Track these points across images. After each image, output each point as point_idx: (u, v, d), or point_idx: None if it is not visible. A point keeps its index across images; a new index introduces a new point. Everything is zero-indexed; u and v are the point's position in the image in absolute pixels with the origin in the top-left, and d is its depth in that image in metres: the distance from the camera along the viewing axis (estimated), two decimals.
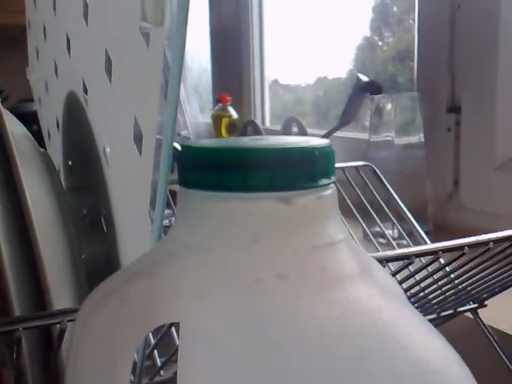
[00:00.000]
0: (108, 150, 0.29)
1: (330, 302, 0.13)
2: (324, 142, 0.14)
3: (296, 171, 0.14)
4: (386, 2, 1.03)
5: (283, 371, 0.13)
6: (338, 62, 1.11)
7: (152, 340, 0.35)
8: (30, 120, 0.45)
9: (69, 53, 0.34)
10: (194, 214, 0.14)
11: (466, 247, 0.32)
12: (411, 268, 0.32)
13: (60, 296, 0.29)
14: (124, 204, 0.29)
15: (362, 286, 0.14)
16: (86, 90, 0.32)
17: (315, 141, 0.14)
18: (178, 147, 0.16)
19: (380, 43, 1.05)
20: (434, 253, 0.31)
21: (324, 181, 0.14)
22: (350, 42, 1.07)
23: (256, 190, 0.14)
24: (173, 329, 0.37)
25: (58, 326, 0.24)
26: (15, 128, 0.34)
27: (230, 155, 0.14)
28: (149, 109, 0.21)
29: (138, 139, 0.23)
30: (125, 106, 0.24)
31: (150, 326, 0.14)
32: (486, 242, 0.33)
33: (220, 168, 0.14)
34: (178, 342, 0.40)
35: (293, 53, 1.22)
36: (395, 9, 1.02)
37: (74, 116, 0.36)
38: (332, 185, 0.15)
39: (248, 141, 0.14)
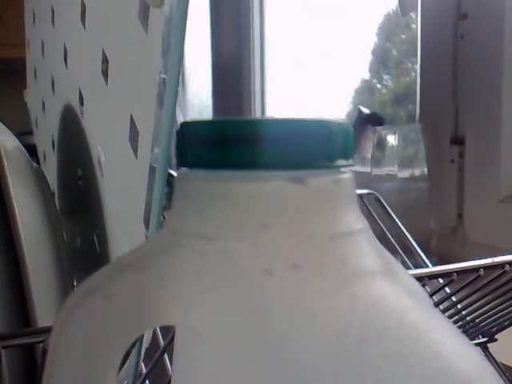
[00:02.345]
0: (103, 158, 0.27)
1: (351, 297, 0.11)
2: (342, 120, 0.13)
3: (311, 147, 0.12)
4: (386, 45, 1.04)
5: (297, 379, 0.11)
6: (336, 104, 1.11)
7: (144, 369, 0.33)
8: (29, 152, 0.45)
9: (66, 63, 0.33)
10: (194, 198, 0.13)
11: (482, 269, 0.30)
12: None
13: (46, 316, 0.27)
14: (118, 215, 0.27)
15: (386, 283, 0.12)
16: (81, 101, 0.31)
17: (332, 118, 0.13)
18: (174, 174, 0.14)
19: (379, 86, 1.05)
20: (448, 274, 0.30)
21: (342, 162, 0.12)
22: (349, 84, 1.07)
23: (265, 169, 0.12)
24: (166, 356, 0.35)
25: (42, 345, 0.22)
26: (7, 140, 0.32)
27: (236, 128, 0.12)
28: (145, 104, 0.19)
29: (134, 141, 0.21)
30: (121, 106, 0.22)
31: (140, 328, 0.12)
32: (501, 265, 0.31)
33: (224, 143, 0.12)
34: (171, 371, 0.38)
35: (292, 94, 1.23)
36: (394, 52, 1.03)
37: (70, 129, 0.35)
38: (350, 169, 0.13)
39: (256, 116, 0.13)
